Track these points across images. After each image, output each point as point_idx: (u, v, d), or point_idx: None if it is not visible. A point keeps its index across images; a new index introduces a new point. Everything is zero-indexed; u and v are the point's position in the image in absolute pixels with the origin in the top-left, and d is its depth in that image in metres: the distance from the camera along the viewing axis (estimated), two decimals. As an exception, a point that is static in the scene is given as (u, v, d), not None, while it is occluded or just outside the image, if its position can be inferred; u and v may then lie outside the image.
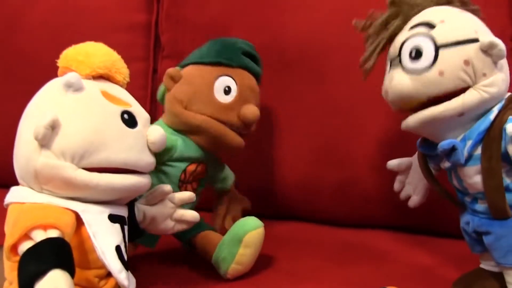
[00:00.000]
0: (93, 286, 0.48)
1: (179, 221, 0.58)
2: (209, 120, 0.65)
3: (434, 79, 0.51)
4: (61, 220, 0.44)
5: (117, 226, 0.49)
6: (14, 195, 0.49)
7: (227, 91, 0.66)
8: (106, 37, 0.93)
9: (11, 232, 0.43)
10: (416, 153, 0.63)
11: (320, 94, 0.82)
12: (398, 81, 0.54)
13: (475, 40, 0.51)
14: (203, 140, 0.66)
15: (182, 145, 0.65)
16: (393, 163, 0.67)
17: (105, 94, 0.51)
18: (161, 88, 0.71)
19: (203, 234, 0.67)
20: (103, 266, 0.47)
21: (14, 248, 0.43)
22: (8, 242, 0.43)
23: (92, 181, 0.47)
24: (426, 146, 0.58)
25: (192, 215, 0.59)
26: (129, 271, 0.50)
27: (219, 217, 0.73)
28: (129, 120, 0.51)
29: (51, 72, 0.91)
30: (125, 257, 0.49)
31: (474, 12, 0.56)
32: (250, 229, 0.63)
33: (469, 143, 0.52)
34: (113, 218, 0.49)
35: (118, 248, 0.48)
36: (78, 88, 0.49)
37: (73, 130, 0.47)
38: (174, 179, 0.65)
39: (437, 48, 0.52)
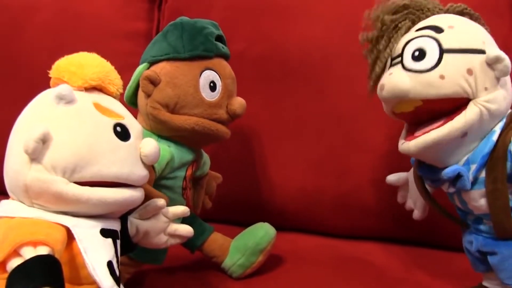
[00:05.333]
0: None
1: (172, 235, 0.57)
2: (201, 121, 0.62)
3: (433, 81, 0.50)
4: (51, 236, 0.43)
5: (109, 241, 0.48)
6: (3, 209, 0.48)
7: (213, 87, 0.63)
8: (106, 45, 0.95)
9: (8, 243, 0.42)
10: (412, 169, 0.62)
11: (321, 103, 0.81)
12: (396, 77, 0.52)
13: (482, 51, 0.50)
14: (195, 141, 0.64)
15: (177, 152, 0.63)
16: (392, 178, 0.67)
17: (98, 106, 0.50)
18: (130, 88, 0.65)
19: (210, 239, 0.68)
20: (94, 282, 0.46)
21: (2, 264, 0.42)
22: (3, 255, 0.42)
23: (83, 195, 0.46)
24: (425, 169, 0.56)
25: (185, 229, 0.58)
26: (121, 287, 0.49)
27: (200, 199, 0.71)
28: (122, 133, 0.50)
29: (42, 81, 0.90)
30: (117, 273, 0.48)
31: (482, 26, 0.55)
32: (272, 239, 0.67)
33: (474, 167, 0.51)
34: (105, 232, 0.48)
35: (110, 264, 0.47)
36: (70, 100, 0.48)
37: (65, 143, 0.46)
38: (178, 190, 0.64)
39: (442, 52, 0.50)
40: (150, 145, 0.52)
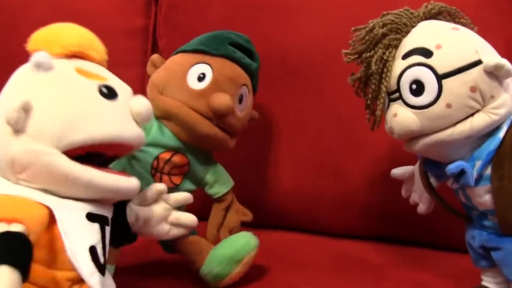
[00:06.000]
0: None
1: (175, 224, 0.55)
2: (180, 106, 0.61)
3: (442, 113, 0.49)
4: (29, 215, 0.41)
5: (96, 226, 0.46)
6: None
7: (201, 78, 0.63)
8: (103, 42, 0.94)
9: None
10: (418, 163, 0.61)
11: (320, 103, 0.81)
12: (403, 118, 0.50)
13: (478, 62, 0.49)
14: (176, 127, 0.63)
15: (156, 131, 0.62)
16: (397, 172, 0.65)
17: (80, 71, 0.48)
18: None
19: (190, 240, 0.64)
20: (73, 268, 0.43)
21: None
22: None
23: (72, 172, 0.44)
24: (430, 164, 0.55)
25: (189, 218, 0.55)
26: (107, 275, 0.46)
27: (212, 226, 0.67)
28: (108, 94, 0.47)
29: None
30: (101, 260, 0.45)
31: (465, 26, 0.54)
32: (251, 250, 0.62)
33: (479, 163, 0.50)
34: (92, 217, 0.46)
35: (92, 249, 0.44)
36: (48, 67, 0.46)
37: (47, 110, 0.44)
38: (146, 166, 0.62)
39: (439, 79, 0.49)
40: (141, 102, 0.49)
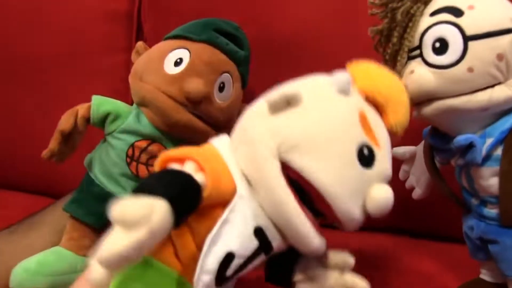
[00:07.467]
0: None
1: None
2: (153, 91, 0.58)
3: (462, 76, 0.45)
4: (218, 179, 0.38)
5: (255, 243, 0.40)
6: (218, 138, 0.44)
7: (178, 62, 0.59)
8: (85, 27, 0.90)
9: (181, 148, 0.40)
10: (422, 142, 0.58)
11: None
12: (419, 75, 0.47)
13: (510, 31, 0.45)
14: (151, 114, 0.59)
15: (133, 118, 0.59)
16: (399, 151, 0.62)
17: (363, 117, 0.42)
18: None
19: None
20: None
21: (166, 161, 0.40)
22: (169, 152, 0.40)
23: (274, 191, 0.39)
24: (437, 137, 0.52)
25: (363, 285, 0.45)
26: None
27: None
28: (366, 157, 0.40)
29: (25, 60, 0.86)
30: (228, 272, 0.39)
31: None
32: None
33: (489, 141, 0.47)
34: (259, 233, 0.40)
35: (229, 256, 0.39)
36: (342, 89, 0.42)
37: (303, 117, 0.40)
38: (121, 153, 0.59)
39: (466, 40, 0.45)
40: (382, 194, 0.41)
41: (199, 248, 0.39)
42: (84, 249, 0.59)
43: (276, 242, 0.41)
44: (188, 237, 0.39)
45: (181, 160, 0.39)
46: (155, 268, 0.39)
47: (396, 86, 0.45)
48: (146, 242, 0.31)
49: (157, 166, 0.40)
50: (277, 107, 0.40)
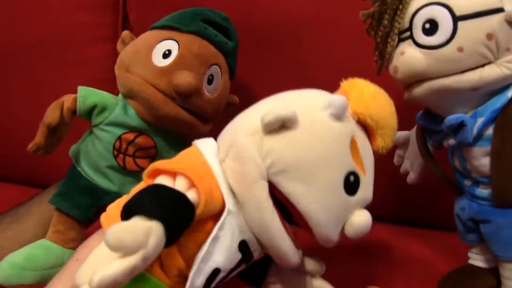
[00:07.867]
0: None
1: None
2: (141, 83, 0.57)
3: (451, 56, 0.45)
4: (209, 193, 0.38)
5: (238, 256, 0.41)
6: (204, 143, 0.44)
7: (167, 54, 0.58)
8: (70, 16, 0.88)
9: (170, 160, 0.41)
10: (415, 127, 0.58)
11: (296, 75, 0.76)
12: (410, 56, 0.47)
13: (500, 10, 0.45)
14: (139, 106, 0.58)
15: (120, 110, 0.58)
16: None
17: (353, 143, 0.43)
18: None
19: None
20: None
21: (156, 173, 0.39)
22: (159, 164, 0.39)
23: (260, 211, 0.40)
24: (429, 119, 0.52)
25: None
26: None
27: None
28: (351, 185, 0.42)
29: (10, 50, 0.84)
30: (213, 286, 0.41)
31: None
32: None
33: (480, 120, 0.47)
34: (242, 246, 0.41)
35: (215, 272, 0.40)
36: (336, 115, 0.42)
37: (297, 142, 0.40)
38: (107, 146, 0.58)
39: (455, 20, 0.45)
40: (362, 222, 0.42)
41: (186, 262, 0.40)
42: (70, 242, 0.59)
43: (257, 253, 0.43)
44: (174, 250, 0.40)
45: (172, 174, 0.39)
46: (146, 280, 0.39)
47: (387, 110, 0.46)
48: (140, 267, 0.32)
49: (146, 177, 0.40)
50: (271, 128, 0.40)
